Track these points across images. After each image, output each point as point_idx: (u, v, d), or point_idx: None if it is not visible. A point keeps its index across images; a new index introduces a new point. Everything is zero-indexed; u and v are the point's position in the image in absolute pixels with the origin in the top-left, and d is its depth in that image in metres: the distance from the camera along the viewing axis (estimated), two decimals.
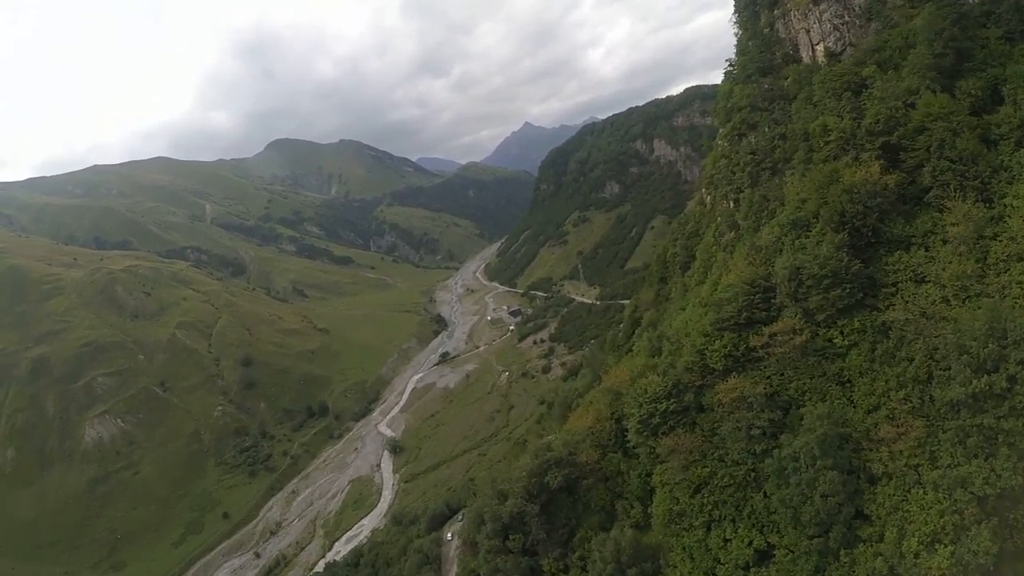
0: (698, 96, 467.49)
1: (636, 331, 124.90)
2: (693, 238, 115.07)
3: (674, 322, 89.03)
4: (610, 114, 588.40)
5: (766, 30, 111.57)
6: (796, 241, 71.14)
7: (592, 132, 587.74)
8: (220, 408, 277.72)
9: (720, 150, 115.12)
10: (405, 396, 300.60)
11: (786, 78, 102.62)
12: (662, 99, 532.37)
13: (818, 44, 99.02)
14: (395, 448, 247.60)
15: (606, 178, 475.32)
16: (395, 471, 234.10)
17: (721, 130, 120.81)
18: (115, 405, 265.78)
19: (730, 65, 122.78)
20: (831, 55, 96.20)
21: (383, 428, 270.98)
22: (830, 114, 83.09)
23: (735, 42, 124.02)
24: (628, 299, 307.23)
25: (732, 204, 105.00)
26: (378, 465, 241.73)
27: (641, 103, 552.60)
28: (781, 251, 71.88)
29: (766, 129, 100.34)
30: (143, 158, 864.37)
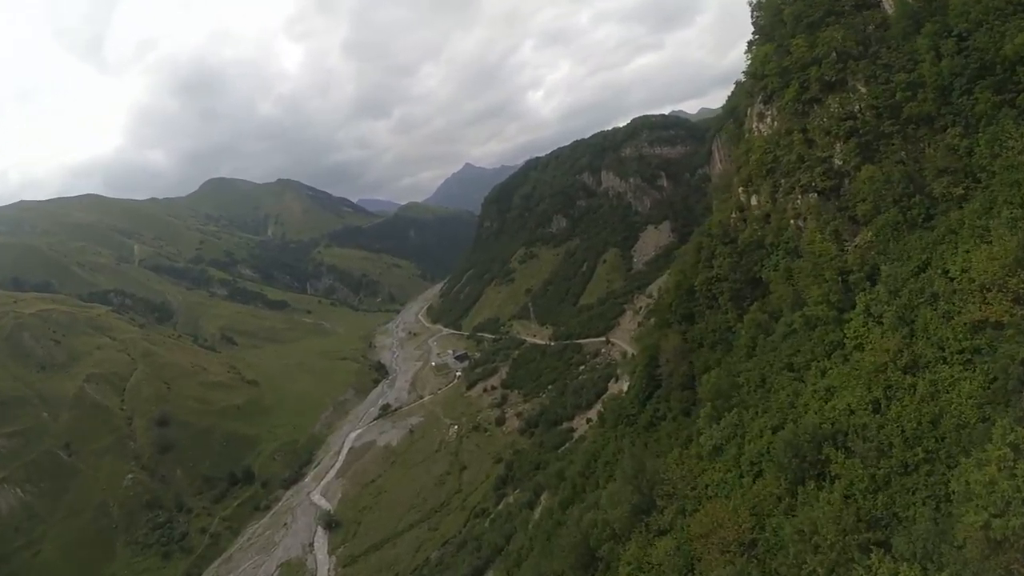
0: (646, 126, 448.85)
1: (659, 394, 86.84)
2: (751, 253, 77.98)
3: (805, 403, 51.14)
4: (550, 152, 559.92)
5: None
6: None
7: (536, 167, 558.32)
8: (131, 476, 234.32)
9: (778, 125, 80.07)
10: (341, 457, 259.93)
11: (867, 24, 73.12)
12: (608, 130, 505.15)
13: None
14: (330, 523, 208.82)
15: (552, 212, 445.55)
16: (331, 552, 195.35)
17: (758, 107, 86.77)
18: (15, 471, 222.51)
19: (758, 18, 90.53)
20: None
21: (316, 497, 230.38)
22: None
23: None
24: (584, 339, 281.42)
25: (816, 196, 71.11)
26: (311, 544, 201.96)
27: (585, 137, 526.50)
28: None
29: (862, 83, 69.28)
30: (74, 195, 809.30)
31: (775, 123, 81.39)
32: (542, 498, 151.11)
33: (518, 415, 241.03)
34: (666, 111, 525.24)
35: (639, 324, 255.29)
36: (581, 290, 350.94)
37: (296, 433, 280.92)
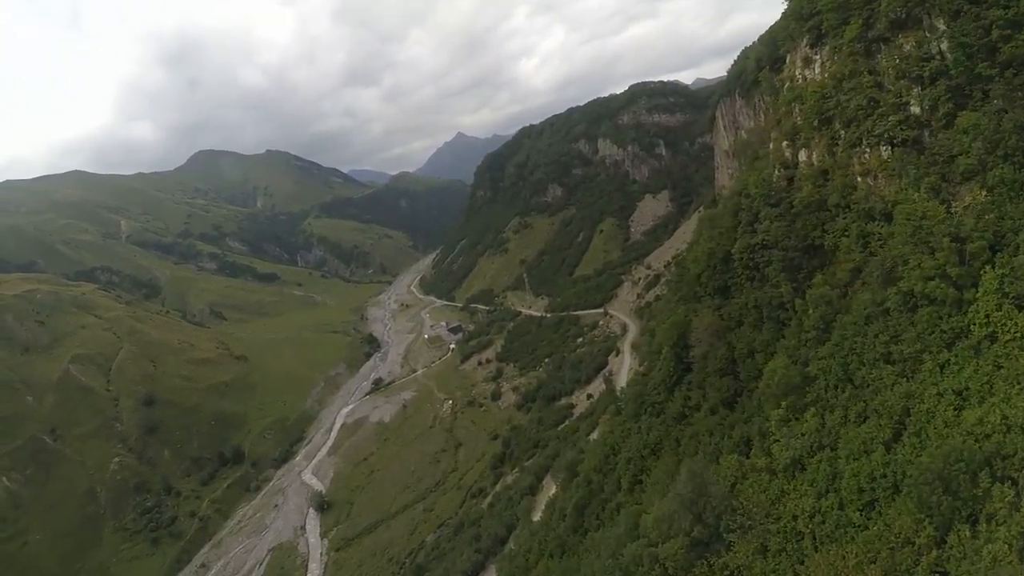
0: (644, 93, 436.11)
1: (689, 380, 74.06)
2: (808, 216, 64.67)
3: (928, 410, 39.11)
4: (545, 120, 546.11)
5: None
6: None
7: (530, 135, 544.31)
8: (118, 459, 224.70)
9: (834, 69, 68.98)
10: (333, 434, 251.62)
11: None
12: (605, 97, 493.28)
13: None
14: (322, 504, 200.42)
15: (547, 181, 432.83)
16: (323, 534, 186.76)
17: (803, 52, 76.86)
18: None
19: None
20: None
21: (308, 477, 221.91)
22: None
23: None
24: (581, 310, 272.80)
25: (891, 149, 59.56)
26: (303, 527, 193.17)
27: (581, 104, 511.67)
28: None
29: (943, 20, 57.99)
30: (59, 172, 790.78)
31: (829, 67, 70.00)
32: (544, 483, 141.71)
33: (514, 389, 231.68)
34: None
35: (638, 296, 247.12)
36: (577, 260, 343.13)
37: (286, 410, 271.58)
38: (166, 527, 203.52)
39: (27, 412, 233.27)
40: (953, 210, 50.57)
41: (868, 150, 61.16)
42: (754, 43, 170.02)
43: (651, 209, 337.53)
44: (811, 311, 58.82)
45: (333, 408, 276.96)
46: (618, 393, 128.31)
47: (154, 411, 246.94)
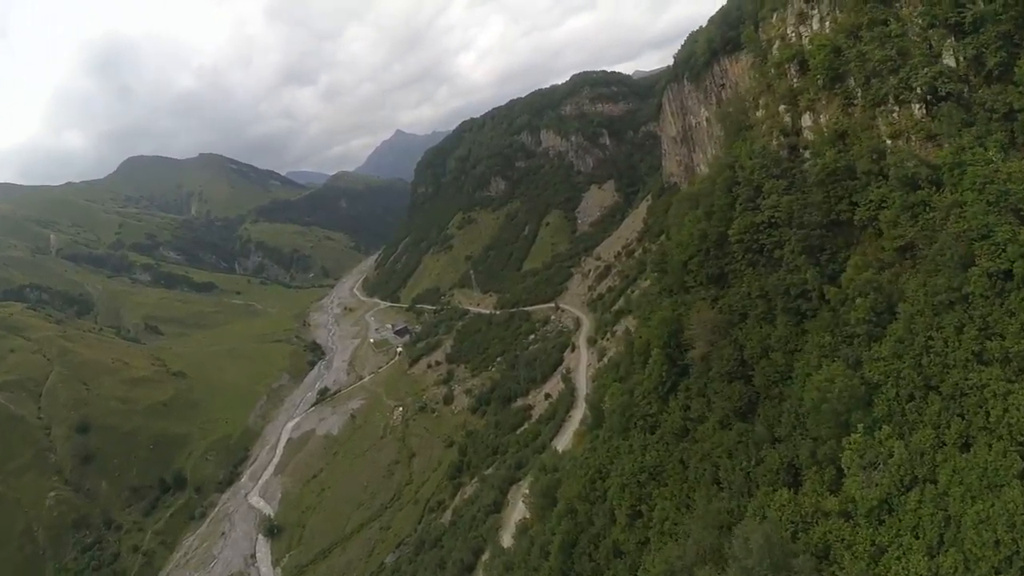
0: (587, 82, 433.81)
1: (686, 385, 63.12)
2: (829, 186, 55.61)
3: None
4: (486, 113, 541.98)
5: None
6: None
7: (471, 128, 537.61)
8: (53, 494, 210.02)
9: (842, 20, 60.59)
10: (279, 451, 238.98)
11: None
12: (547, 88, 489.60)
13: None
14: (272, 529, 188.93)
15: (490, 175, 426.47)
16: (275, 562, 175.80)
17: (798, 6, 69.97)
18: None
19: None
20: None
21: (255, 500, 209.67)
22: None
23: None
24: (531, 305, 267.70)
25: (923, 108, 52.06)
26: (253, 555, 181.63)
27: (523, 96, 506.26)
28: None
29: None
30: None
31: (832, 20, 62.62)
32: (509, 498, 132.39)
33: (467, 392, 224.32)
34: None
35: (589, 288, 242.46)
36: (524, 254, 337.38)
37: (229, 427, 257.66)
38: (109, 564, 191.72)
39: None
40: None
41: (897, 108, 52.91)
42: (702, 27, 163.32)
43: (597, 199, 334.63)
44: (857, 300, 48.93)
45: (278, 423, 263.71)
46: (587, 401, 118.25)
47: (89, 438, 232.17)
